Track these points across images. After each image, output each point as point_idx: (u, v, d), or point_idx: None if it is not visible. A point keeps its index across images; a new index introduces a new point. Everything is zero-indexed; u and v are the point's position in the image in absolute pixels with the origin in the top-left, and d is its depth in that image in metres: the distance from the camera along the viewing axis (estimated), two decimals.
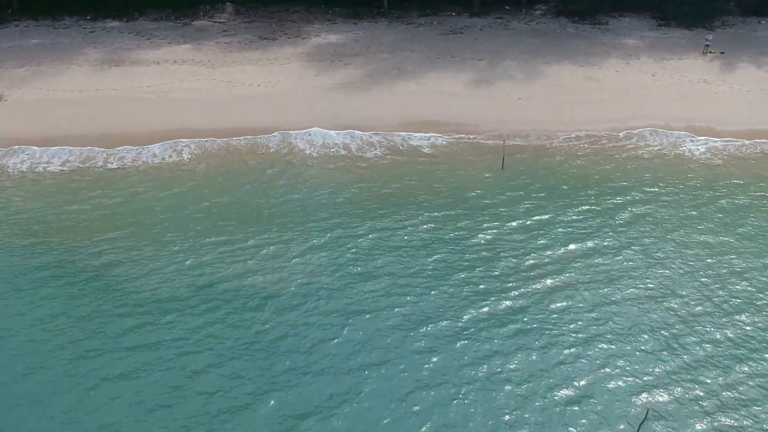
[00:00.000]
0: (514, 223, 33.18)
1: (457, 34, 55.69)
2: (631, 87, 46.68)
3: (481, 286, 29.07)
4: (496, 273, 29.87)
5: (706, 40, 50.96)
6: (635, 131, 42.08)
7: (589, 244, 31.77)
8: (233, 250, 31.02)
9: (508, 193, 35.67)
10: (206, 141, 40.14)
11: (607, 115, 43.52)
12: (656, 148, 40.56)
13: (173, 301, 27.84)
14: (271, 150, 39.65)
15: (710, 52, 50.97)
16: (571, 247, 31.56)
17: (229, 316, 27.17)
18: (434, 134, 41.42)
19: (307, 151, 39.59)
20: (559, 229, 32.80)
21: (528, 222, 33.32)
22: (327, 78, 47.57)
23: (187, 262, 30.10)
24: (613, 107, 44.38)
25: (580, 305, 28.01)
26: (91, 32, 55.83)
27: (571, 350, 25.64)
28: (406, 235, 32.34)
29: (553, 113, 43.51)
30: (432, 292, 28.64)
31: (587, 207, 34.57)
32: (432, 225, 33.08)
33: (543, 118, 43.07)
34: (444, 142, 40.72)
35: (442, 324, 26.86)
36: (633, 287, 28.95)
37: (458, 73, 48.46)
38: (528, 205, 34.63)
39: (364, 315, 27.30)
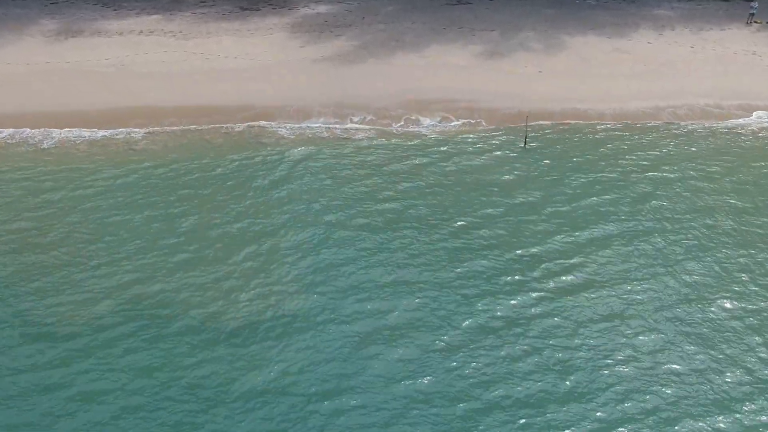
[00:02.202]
0: (543, 210, 27.18)
1: (464, 4, 49.05)
2: (668, 60, 40.21)
3: (511, 286, 22.95)
4: (534, 274, 23.91)
5: (752, 8, 44.51)
6: (678, 107, 35.75)
7: (628, 236, 25.77)
8: (188, 259, 24.67)
9: (533, 175, 29.58)
10: (166, 121, 33.81)
11: (642, 89, 37.22)
12: (704, 126, 34.20)
13: (98, 328, 21.51)
14: (240, 131, 33.25)
15: (756, 22, 44.48)
16: (607, 237, 25.48)
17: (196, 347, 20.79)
18: (442, 111, 34.98)
19: (282, 132, 33.19)
20: (593, 217, 26.86)
21: (558, 209, 27.32)
22: (314, 50, 41.08)
23: (125, 276, 23.86)
24: (649, 81, 38.03)
25: (618, 306, 22.07)
26: (52, 2, 49.22)
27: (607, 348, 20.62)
28: (410, 227, 26.01)
29: (580, 87, 37.22)
30: (448, 292, 22.76)
31: (629, 194, 28.33)
32: (443, 212, 26.75)
33: (569, 92, 36.76)
34: (454, 119, 34.37)
35: (464, 326, 21.63)
36: (684, 286, 23.34)
37: (467, 45, 41.97)
38: (558, 191, 28.63)
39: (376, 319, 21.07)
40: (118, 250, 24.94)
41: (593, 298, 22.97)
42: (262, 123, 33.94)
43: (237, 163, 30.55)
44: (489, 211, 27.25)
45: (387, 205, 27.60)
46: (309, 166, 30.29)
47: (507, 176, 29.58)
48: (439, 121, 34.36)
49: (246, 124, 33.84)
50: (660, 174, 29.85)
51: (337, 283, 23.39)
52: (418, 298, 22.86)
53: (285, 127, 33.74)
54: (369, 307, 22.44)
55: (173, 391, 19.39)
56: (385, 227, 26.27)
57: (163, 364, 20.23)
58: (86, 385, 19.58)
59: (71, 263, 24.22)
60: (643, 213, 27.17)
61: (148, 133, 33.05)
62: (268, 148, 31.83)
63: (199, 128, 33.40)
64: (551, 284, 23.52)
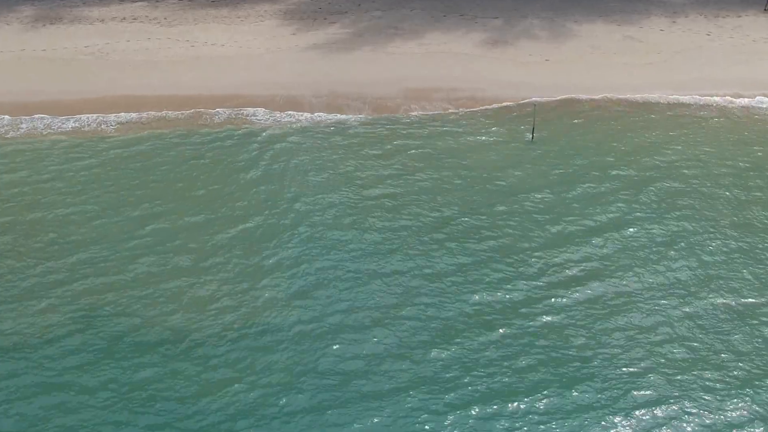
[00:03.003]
0: (552, 208, 24.69)
1: None
2: (683, 48, 37.72)
3: (520, 298, 20.43)
4: (540, 282, 21.29)
5: None
6: (697, 97, 33.30)
7: (647, 237, 23.27)
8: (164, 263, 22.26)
9: (542, 170, 27.17)
10: (144, 110, 31.42)
11: (658, 78, 34.77)
12: (726, 117, 31.76)
13: (48, 339, 19.17)
14: (221, 121, 30.88)
15: None
16: (624, 240, 23.02)
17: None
18: (443, 101, 32.57)
19: (266, 121, 30.86)
20: (610, 217, 24.46)
21: (568, 206, 24.91)
22: (306, 37, 38.57)
23: (79, 278, 21.59)
24: (664, 70, 35.57)
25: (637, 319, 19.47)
26: None
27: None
28: (408, 226, 23.59)
29: (590, 76, 34.78)
30: (451, 298, 20.24)
31: (645, 192, 25.85)
32: (445, 208, 24.34)
33: (579, 82, 34.32)
34: (456, 109, 31.96)
35: (479, 338, 19.29)
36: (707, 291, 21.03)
37: (469, 33, 39.47)
38: (568, 187, 26.20)
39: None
40: (73, 249, 22.56)
41: (609, 293, 20.63)
42: (247, 111, 31.54)
43: (214, 153, 28.18)
44: (495, 208, 24.89)
45: (382, 201, 25.22)
46: (294, 158, 27.95)
47: (512, 170, 27.15)
48: (440, 112, 31.90)
49: (228, 113, 31.45)
50: (683, 170, 27.41)
51: (324, 292, 20.97)
52: (416, 306, 20.46)
53: (271, 116, 31.33)
54: (356, 315, 20.08)
55: (125, 411, 17.03)
56: (379, 225, 23.87)
57: (118, 378, 17.88)
58: (27, 404, 17.20)
59: (17, 266, 21.77)
60: (666, 211, 24.81)
61: (121, 122, 30.66)
62: (250, 138, 29.43)
63: (177, 117, 30.99)
64: (567, 281, 21.18)
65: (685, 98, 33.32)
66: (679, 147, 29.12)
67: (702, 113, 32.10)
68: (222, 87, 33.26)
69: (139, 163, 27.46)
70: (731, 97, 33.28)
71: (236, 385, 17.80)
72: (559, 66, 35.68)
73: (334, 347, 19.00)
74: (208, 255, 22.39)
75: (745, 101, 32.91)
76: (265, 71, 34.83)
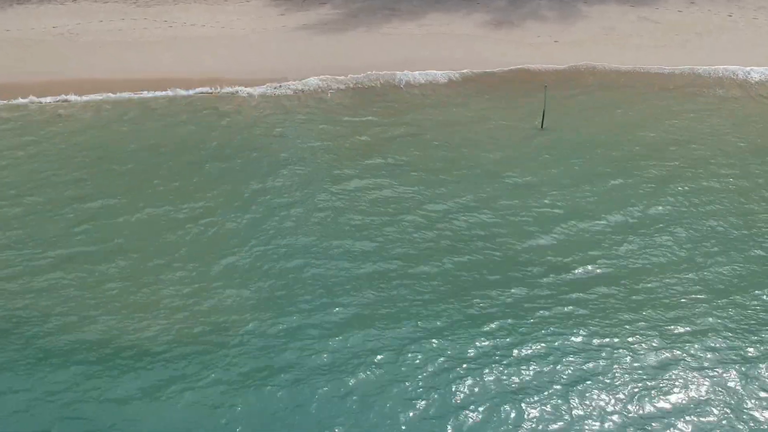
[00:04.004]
0: (566, 205, 21.68)
1: None
2: (704, 29, 34.82)
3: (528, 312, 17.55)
4: (546, 292, 18.34)
5: None
6: (722, 79, 30.69)
7: (670, 237, 20.33)
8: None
9: (552, 160, 24.16)
10: (113, 91, 28.62)
11: (677, 60, 31.97)
12: (756, 102, 28.93)
13: None
14: (193, 100, 28.26)
15: None
16: (645, 243, 20.11)
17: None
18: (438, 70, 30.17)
19: (245, 105, 28.13)
20: (629, 211, 21.58)
21: (585, 203, 21.88)
22: (295, 18, 35.52)
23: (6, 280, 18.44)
24: (684, 52, 32.76)
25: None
26: None
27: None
28: (403, 219, 20.68)
29: (605, 56, 31.95)
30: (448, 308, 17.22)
31: (668, 184, 22.97)
32: (442, 202, 21.44)
33: (592, 62, 31.48)
34: (458, 89, 29.17)
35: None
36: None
37: (471, 14, 36.49)
38: (584, 180, 23.14)
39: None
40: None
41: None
42: (225, 91, 28.77)
43: (183, 133, 25.56)
44: (499, 203, 21.98)
45: (371, 192, 22.30)
46: (270, 139, 25.29)
47: (520, 162, 24.24)
48: (442, 94, 29.05)
49: (203, 92, 28.67)
50: (710, 160, 24.55)
51: (294, 294, 18.09)
52: (406, 315, 17.55)
53: (252, 97, 28.56)
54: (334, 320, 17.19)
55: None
56: (368, 217, 20.95)
57: (45, 396, 14.99)
58: None
59: None
60: (698, 206, 21.92)
61: (84, 103, 27.91)
62: (223, 118, 26.85)
63: (144, 98, 28.16)
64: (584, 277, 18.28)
65: (707, 78, 30.64)
66: (707, 137, 26.25)
67: (729, 95, 29.29)
68: (202, 69, 30.28)
69: (92, 143, 24.91)
70: (762, 81, 30.49)
71: (176, 396, 15.05)
72: (569, 48, 32.78)
73: (294, 354, 16.27)
74: (160, 252, 19.55)
75: None
76: (249, 53, 31.88)
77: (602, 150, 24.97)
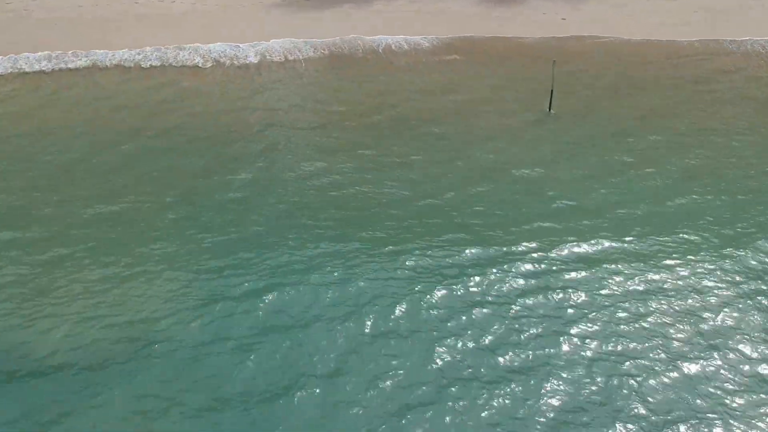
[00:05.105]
0: (575, 200, 18.36)
1: None
2: (725, 7, 31.53)
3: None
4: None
5: None
6: (747, 55, 27.43)
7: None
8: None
9: (562, 149, 20.74)
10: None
11: (699, 36, 28.78)
12: None
13: None
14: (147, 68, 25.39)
15: None
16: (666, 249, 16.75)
17: None
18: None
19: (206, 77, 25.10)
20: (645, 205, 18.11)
21: (595, 198, 18.46)
22: None
23: None
24: (704, 27, 29.50)
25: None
26: None
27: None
28: (394, 218, 17.36)
29: (619, 32, 28.72)
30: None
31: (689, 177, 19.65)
32: (435, 205, 18.11)
33: (601, 43, 28.15)
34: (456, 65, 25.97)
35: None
36: None
37: None
38: (594, 170, 19.73)
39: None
40: None
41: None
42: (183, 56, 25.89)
43: (130, 102, 22.52)
44: (500, 198, 18.61)
45: (352, 188, 18.95)
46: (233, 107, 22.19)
47: (521, 148, 20.92)
48: (436, 76, 25.73)
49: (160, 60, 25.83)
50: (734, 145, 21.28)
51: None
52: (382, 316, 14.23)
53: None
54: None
55: None
56: (348, 212, 17.65)
57: None
58: None
59: None
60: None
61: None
62: (174, 84, 24.11)
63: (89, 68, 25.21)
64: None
65: (729, 56, 27.45)
66: (735, 121, 22.99)
67: (750, 72, 26.09)
68: (171, 48, 27.05)
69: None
70: None
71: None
72: (578, 26, 29.51)
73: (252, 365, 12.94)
74: (87, 241, 16.30)
75: None
76: (221, 29, 28.54)
77: (611, 131, 21.67)
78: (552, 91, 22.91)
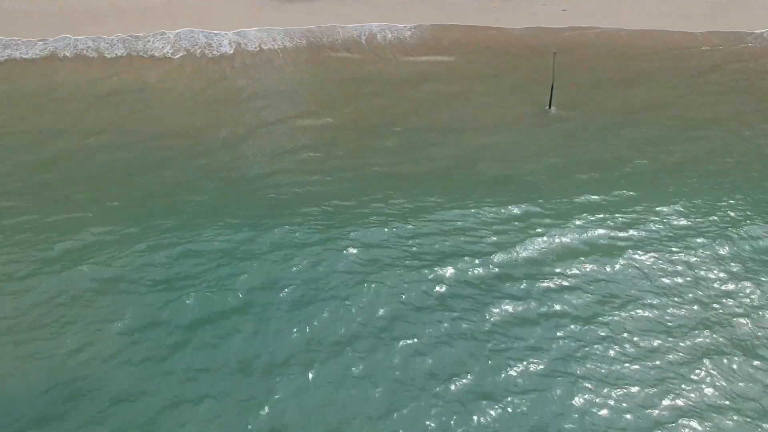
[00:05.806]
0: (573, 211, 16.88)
1: None
2: None
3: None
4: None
5: None
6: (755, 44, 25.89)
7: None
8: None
9: (564, 148, 19.17)
10: None
11: (708, 25, 27.21)
12: None
13: None
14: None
15: None
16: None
17: None
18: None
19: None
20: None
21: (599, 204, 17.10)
22: None
23: None
24: (716, 11, 27.93)
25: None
26: None
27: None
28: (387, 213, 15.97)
29: (624, 22, 27.03)
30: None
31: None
32: (427, 210, 16.62)
33: (604, 34, 26.49)
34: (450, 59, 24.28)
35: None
36: None
37: None
38: (598, 173, 18.26)
39: None
40: None
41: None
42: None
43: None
44: (503, 207, 17.07)
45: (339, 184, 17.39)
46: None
47: (520, 148, 19.33)
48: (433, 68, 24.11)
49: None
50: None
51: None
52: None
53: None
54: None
55: None
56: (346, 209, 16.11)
57: None
58: None
59: None
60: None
61: None
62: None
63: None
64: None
65: (739, 45, 25.90)
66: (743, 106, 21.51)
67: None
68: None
69: None
70: None
71: None
72: (578, 17, 27.80)
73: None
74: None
75: None
76: (202, 21, 26.86)
77: (614, 127, 20.18)
78: (552, 86, 21.18)
